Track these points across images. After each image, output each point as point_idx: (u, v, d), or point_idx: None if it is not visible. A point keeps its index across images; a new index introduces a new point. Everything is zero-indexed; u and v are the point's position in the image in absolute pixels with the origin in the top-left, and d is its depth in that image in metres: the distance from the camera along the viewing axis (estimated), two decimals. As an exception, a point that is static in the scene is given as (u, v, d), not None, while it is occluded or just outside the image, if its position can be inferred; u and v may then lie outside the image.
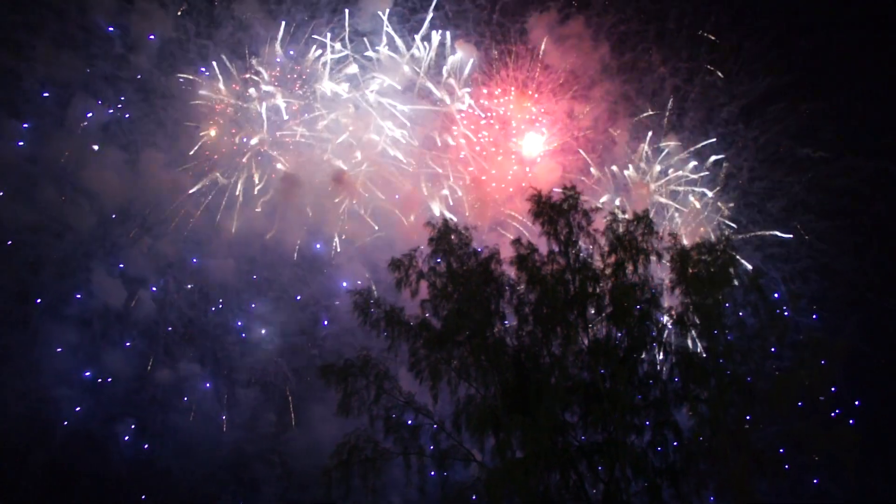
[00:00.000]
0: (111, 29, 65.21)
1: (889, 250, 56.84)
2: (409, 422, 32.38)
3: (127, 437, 63.52)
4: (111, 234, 65.55)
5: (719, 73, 64.48)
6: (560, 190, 33.60)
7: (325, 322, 68.24)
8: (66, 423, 60.78)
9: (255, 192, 67.12)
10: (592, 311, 32.16)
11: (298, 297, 68.79)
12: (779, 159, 62.64)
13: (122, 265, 65.51)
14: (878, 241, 58.09)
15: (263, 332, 67.46)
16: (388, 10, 66.97)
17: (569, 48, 67.56)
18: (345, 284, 67.07)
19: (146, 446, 63.54)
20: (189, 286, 67.22)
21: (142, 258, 66.29)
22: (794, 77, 62.26)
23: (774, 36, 63.13)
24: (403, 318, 33.08)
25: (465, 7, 68.98)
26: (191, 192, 66.29)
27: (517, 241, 33.34)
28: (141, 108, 66.47)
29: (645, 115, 66.86)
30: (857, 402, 50.87)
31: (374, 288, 34.64)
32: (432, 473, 32.32)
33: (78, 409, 61.81)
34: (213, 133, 66.98)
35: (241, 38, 67.86)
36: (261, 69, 67.18)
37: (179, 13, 66.59)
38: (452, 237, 33.53)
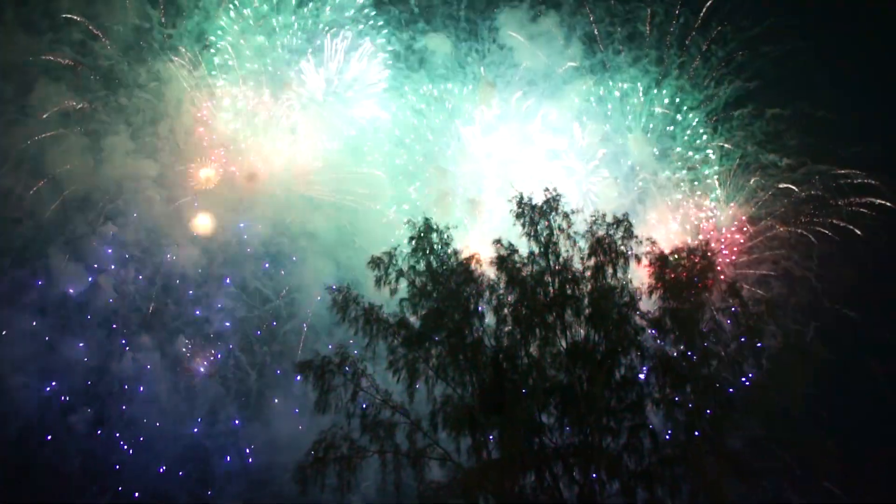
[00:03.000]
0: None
1: (851, 258, 57.71)
2: (386, 420, 32.13)
3: (83, 429, 62.68)
4: (72, 221, 64.47)
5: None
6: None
7: (288, 317, 67.70)
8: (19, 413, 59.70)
9: (220, 184, 66.66)
10: (571, 314, 32.20)
11: (262, 291, 68.22)
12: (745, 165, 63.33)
13: (82, 253, 64.54)
14: (839, 248, 59.00)
15: (227, 324, 66.51)
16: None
17: (540, 46, 67.79)
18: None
19: (102, 436, 62.54)
20: (150, 276, 66.29)
21: (103, 247, 65.32)
22: (761, 83, 63.10)
23: (741, 41, 63.88)
24: (382, 316, 32.92)
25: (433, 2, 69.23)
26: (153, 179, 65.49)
27: (498, 242, 33.33)
28: (104, 97, 65.58)
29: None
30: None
31: (348, 286, 33.97)
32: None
33: (34, 398, 60.77)
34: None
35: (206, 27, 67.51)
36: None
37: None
38: (433, 236, 33.46)
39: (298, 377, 33.50)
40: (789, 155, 61.46)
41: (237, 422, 64.24)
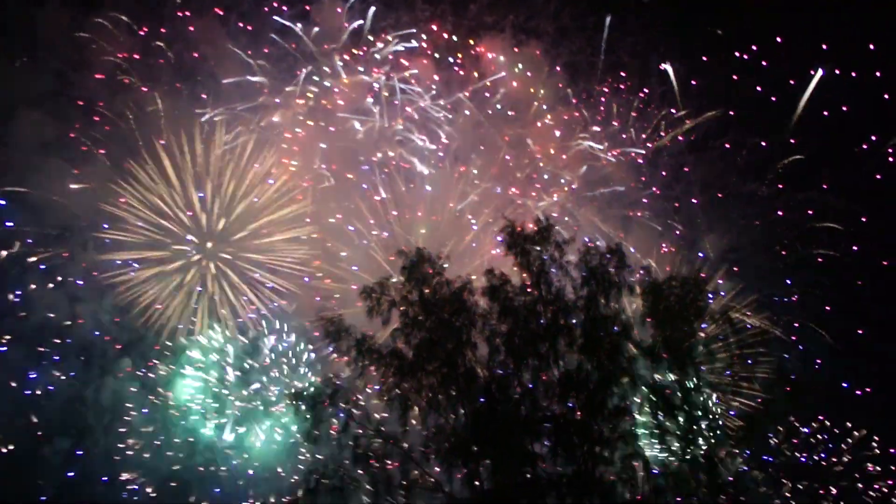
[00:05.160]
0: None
1: (830, 283, 58.44)
2: (378, 450, 31.93)
3: (59, 459, 61.96)
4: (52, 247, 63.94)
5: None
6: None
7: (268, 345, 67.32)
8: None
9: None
10: (564, 343, 32.21)
11: (240, 320, 67.89)
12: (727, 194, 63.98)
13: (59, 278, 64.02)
14: (816, 275, 59.69)
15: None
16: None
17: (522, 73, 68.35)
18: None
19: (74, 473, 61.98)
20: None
21: (81, 272, 64.76)
22: (739, 112, 63.94)
23: (721, 72, 64.68)
24: (374, 346, 32.79)
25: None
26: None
27: (490, 272, 33.34)
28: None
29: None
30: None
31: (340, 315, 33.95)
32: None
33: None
34: None
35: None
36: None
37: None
38: (426, 266, 33.42)
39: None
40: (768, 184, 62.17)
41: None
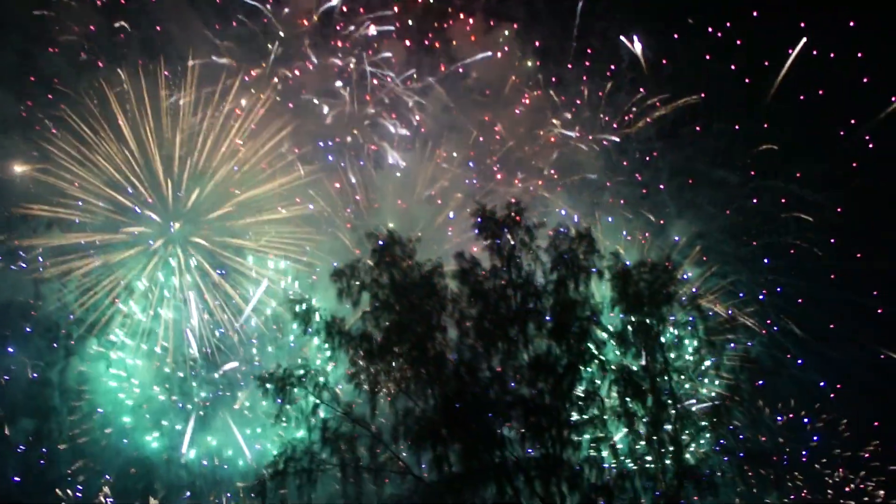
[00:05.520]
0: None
1: (798, 272, 58.93)
2: (347, 433, 31.89)
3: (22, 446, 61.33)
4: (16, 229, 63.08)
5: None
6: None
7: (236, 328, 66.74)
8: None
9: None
10: (533, 327, 32.30)
11: (208, 301, 67.19)
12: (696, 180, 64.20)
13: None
14: (786, 263, 60.13)
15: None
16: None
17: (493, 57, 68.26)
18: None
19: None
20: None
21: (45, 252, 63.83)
22: (708, 98, 63.95)
23: (690, 57, 64.59)
24: (344, 329, 32.72)
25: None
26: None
27: (460, 255, 33.35)
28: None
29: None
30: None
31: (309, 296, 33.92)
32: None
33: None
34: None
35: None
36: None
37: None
38: (396, 248, 33.35)
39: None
40: (738, 171, 62.46)
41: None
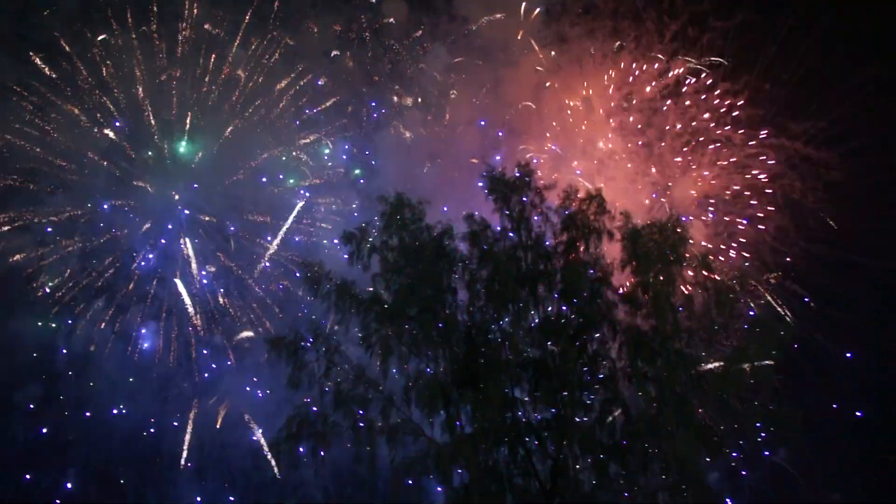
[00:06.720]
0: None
1: (805, 230, 58.76)
2: (359, 396, 32.00)
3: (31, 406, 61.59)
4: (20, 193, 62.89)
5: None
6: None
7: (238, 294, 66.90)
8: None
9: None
10: (543, 289, 32.32)
11: (212, 269, 67.35)
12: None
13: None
14: (794, 222, 59.87)
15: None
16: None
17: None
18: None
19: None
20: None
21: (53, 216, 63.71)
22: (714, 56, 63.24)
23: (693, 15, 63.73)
24: (354, 292, 32.71)
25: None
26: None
27: (470, 217, 33.27)
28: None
29: None
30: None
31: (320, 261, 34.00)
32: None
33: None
34: None
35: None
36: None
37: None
38: (406, 211, 33.25)
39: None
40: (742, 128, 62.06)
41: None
